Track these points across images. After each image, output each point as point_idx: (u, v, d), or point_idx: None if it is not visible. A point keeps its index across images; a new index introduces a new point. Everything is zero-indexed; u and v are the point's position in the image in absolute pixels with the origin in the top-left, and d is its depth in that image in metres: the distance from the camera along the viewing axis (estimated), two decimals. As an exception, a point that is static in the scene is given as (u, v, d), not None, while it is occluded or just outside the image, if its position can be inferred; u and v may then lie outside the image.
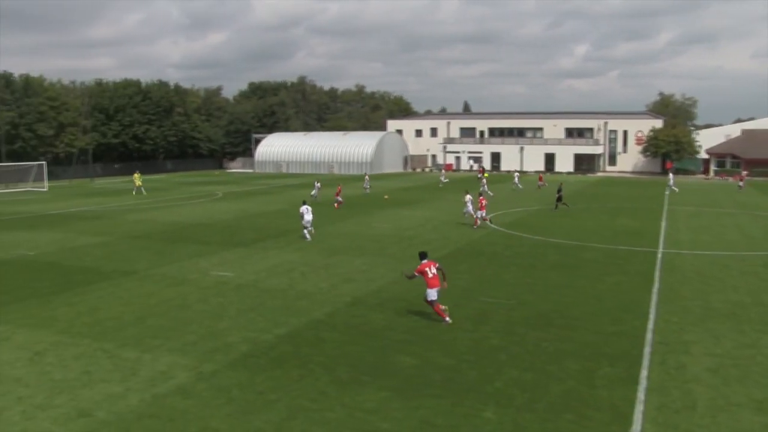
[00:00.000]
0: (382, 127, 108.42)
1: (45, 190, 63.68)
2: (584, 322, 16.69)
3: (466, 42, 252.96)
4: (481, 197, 35.39)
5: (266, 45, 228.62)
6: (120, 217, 40.31)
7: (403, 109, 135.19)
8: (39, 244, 29.88)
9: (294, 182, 71.18)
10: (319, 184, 50.16)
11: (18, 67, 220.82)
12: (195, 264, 24.84)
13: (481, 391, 12.26)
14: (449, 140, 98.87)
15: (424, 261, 16.97)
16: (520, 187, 60.82)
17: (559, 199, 43.02)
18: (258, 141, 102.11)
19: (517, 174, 66.69)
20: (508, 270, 23.14)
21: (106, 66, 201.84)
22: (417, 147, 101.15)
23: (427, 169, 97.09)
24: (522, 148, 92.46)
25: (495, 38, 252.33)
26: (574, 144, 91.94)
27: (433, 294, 16.58)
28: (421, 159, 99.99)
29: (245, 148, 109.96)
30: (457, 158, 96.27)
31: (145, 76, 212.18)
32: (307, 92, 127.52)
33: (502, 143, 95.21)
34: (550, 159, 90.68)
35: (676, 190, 57.63)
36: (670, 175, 61.94)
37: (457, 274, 22.40)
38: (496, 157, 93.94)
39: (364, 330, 16.19)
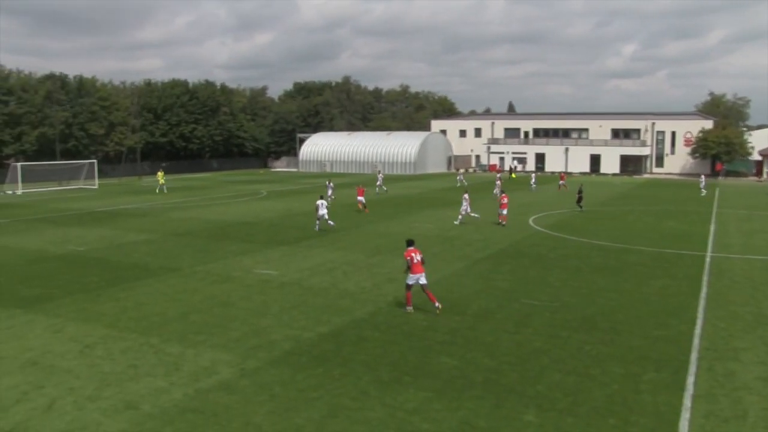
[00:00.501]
0: (426, 128, 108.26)
1: (95, 187, 65.15)
2: (629, 326, 16.41)
3: (511, 42, 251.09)
4: (503, 195, 35.87)
5: (311, 45, 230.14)
6: (165, 214, 41.01)
7: (448, 110, 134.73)
8: (88, 240, 30.59)
9: (337, 181, 71.44)
10: (332, 184, 49.14)
11: (73, 68, 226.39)
12: (239, 262, 25.13)
13: (522, 394, 12.15)
14: (493, 141, 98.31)
15: (410, 248, 17.75)
16: (535, 187, 60.41)
17: (579, 200, 42.67)
18: (302, 140, 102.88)
19: (534, 174, 66.23)
20: (551, 272, 22.89)
21: (154, 67, 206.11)
22: (461, 147, 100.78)
23: (470, 170, 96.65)
24: (567, 149, 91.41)
25: (541, 38, 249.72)
26: (621, 145, 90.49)
27: (413, 279, 17.54)
28: (464, 159, 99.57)
29: (290, 147, 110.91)
30: (501, 159, 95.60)
31: (193, 76, 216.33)
32: (351, 92, 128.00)
33: (547, 144, 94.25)
34: (595, 160, 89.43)
35: (704, 192, 56.87)
36: (702, 176, 61.08)
37: (499, 275, 22.26)
38: (540, 158, 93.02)
39: (406, 330, 16.19)
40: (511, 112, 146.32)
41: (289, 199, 50.69)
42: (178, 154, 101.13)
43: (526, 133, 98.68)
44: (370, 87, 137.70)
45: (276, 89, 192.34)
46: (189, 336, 15.78)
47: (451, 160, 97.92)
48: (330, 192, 47.42)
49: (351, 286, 21.01)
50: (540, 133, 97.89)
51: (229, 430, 10.79)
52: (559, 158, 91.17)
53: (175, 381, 12.89)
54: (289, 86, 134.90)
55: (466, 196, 36.82)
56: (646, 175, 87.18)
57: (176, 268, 24.09)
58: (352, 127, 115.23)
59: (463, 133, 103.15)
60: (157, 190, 59.19)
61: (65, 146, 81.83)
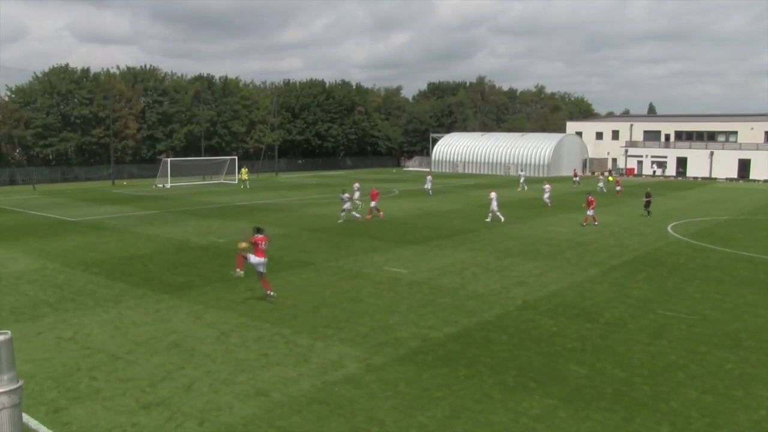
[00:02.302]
0: (561, 129, 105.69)
1: (235, 182, 68.35)
2: (777, 344, 15.34)
3: (656, 39, 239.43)
4: (590, 195, 36.11)
5: (447, 45, 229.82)
6: (300, 210, 42.39)
7: (584, 111, 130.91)
8: (228, 232, 32.16)
9: (470, 182, 71.25)
10: (357, 184, 45.73)
11: (221, 70, 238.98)
12: (370, 259, 25.60)
13: (654, 409, 11.65)
14: (631, 144, 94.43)
15: (259, 235, 18.97)
16: (526, 188, 59.41)
17: (647, 204, 40.62)
18: (435, 140, 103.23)
19: (523, 174, 64.23)
20: (691, 283, 21.74)
21: (294, 67, 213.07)
22: (597, 150, 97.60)
23: (606, 173, 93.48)
24: (712, 153, 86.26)
25: (690, 35, 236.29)
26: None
27: (254, 260, 18.73)
28: (600, 162, 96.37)
29: (422, 147, 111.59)
30: (639, 163, 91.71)
31: (330, 76, 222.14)
32: (485, 92, 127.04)
33: (690, 148, 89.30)
34: (744, 165, 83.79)
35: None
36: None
37: (634, 284, 21.41)
38: (682, 162, 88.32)
39: (534, 335, 15.93)
40: (651, 113, 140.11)
41: (420, 199, 51.01)
42: (314, 151, 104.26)
43: (667, 136, 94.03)
44: (505, 87, 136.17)
45: (410, 89, 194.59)
46: (319, 329, 16.27)
47: (586, 163, 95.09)
48: (357, 195, 44.00)
49: (480, 287, 20.90)
50: (682, 136, 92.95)
51: (353, 423, 11.05)
52: (702, 163, 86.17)
53: (304, 372, 13.34)
54: (423, 86, 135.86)
55: (494, 194, 37.61)
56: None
57: (309, 262, 24.87)
58: (485, 127, 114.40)
59: (599, 136, 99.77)
60: (241, 186, 62.56)
61: (209, 143, 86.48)
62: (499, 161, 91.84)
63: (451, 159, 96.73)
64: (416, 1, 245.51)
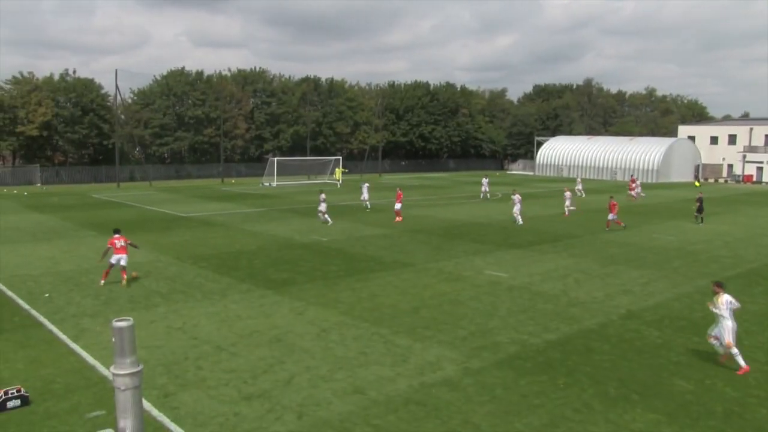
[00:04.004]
0: (672, 133, 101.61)
1: (339, 182, 69.45)
2: None
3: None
4: (612, 198, 36.18)
5: (554, 47, 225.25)
6: (402, 211, 42.59)
7: (697, 114, 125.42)
8: (330, 232, 32.75)
9: (574, 187, 69.52)
10: (367, 185, 45.85)
11: (327, 71, 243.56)
12: (470, 261, 25.46)
13: (769, 430, 11.03)
14: (750, 149, 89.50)
15: (116, 236, 20.93)
16: (489, 196, 53.27)
17: (699, 210, 38.64)
18: (540, 144, 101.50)
19: (485, 180, 55.21)
20: (813, 298, 20.44)
21: (399, 69, 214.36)
22: (711, 155, 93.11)
23: (721, 180, 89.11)
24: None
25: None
26: None
27: (114, 259, 20.64)
28: (715, 168, 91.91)
29: (527, 150, 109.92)
30: (759, 169, 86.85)
31: (434, 78, 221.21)
32: (592, 95, 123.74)
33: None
34: None
35: None
36: None
37: (750, 297, 20.30)
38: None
39: (638, 346, 15.39)
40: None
41: (523, 203, 50.14)
42: (417, 153, 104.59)
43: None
44: (613, 90, 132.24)
45: (515, 91, 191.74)
46: (418, 330, 16.32)
47: (698, 169, 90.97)
48: (365, 194, 44.60)
49: (582, 294, 20.39)
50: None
51: (448, 426, 11.02)
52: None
53: (401, 372, 13.42)
54: (529, 88, 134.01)
55: (517, 197, 37.76)
56: None
57: (409, 263, 24.99)
58: (592, 131, 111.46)
59: (714, 140, 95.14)
60: (338, 185, 64.93)
61: (314, 143, 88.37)
62: (605, 166, 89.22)
63: (556, 163, 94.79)
64: (523, 1, 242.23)
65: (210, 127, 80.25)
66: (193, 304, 18.61)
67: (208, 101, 79.90)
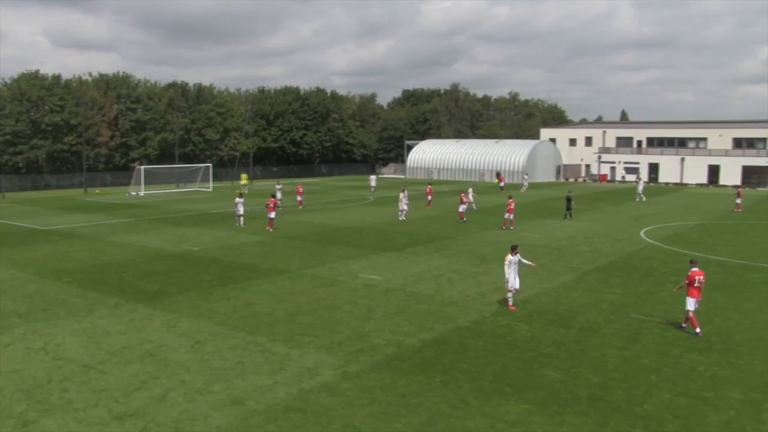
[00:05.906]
0: (535, 136, 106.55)
1: (210, 190, 67.87)
2: (750, 348, 15.56)
3: (638, 48, 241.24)
4: (510, 199, 37.86)
5: (431, 52, 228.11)
6: (276, 218, 42.17)
7: (557, 118, 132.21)
8: (202, 241, 31.94)
9: (445, 189, 71.39)
10: (280, 187, 49.71)
11: (204, 77, 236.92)
12: (345, 266, 25.57)
13: (629, 413, 11.76)
14: (604, 150, 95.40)
15: None
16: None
17: (568, 207, 41.85)
18: (410, 147, 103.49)
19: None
20: (663, 287, 22.01)
21: (276, 74, 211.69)
22: (571, 156, 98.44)
23: (580, 180, 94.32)
24: (683, 159, 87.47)
25: (671, 42, 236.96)
26: (743, 155, 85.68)
27: None
28: (574, 169, 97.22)
29: (397, 154, 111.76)
30: (612, 169, 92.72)
31: (311, 83, 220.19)
32: (459, 99, 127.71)
33: (661, 154, 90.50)
34: (714, 171, 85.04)
35: (644, 199, 56.86)
36: (641, 182, 60.38)
37: (608, 289, 21.63)
38: (654, 168, 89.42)
39: (510, 340, 16.01)
40: (623, 120, 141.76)
41: (396, 206, 50.94)
42: (289, 159, 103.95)
43: (639, 143, 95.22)
44: (479, 95, 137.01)
45: (389, 96, 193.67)
46: (295, 337, 16.21)
47: (560, 170, 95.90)
48: (279, 195, 48.39)
49: (455, 294, 20.96)
50: (654, 143, 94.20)
51: (329, 431, 11.01)
52: (673, 168, 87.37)
53: (279, 380, 13.28)
54: (399, 93, 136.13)
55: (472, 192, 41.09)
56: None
57: (285, 270, 24.78)
58: (460, 134, 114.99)
59: (573, 142, 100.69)
60: (246, 191, 62.71)
61: (183, 150, 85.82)
62: (473, 168, 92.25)
63: (426, 166, 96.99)
64: (404, 6, 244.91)
65: (70, 134, 76.12)
66: (56, 323, 17.57)
67: (67, 107, 75.76)
